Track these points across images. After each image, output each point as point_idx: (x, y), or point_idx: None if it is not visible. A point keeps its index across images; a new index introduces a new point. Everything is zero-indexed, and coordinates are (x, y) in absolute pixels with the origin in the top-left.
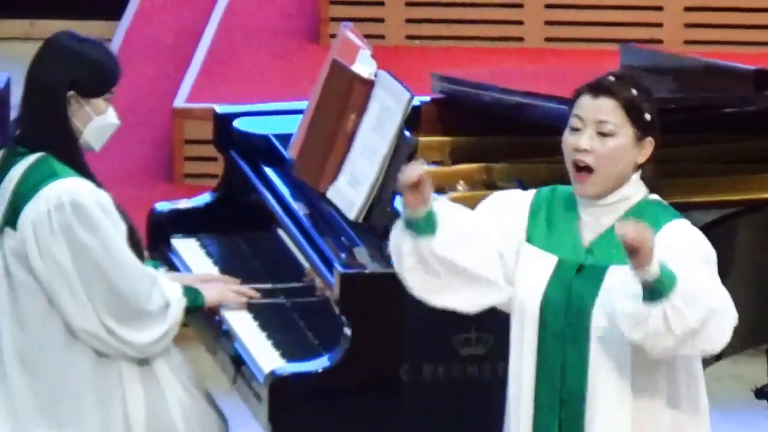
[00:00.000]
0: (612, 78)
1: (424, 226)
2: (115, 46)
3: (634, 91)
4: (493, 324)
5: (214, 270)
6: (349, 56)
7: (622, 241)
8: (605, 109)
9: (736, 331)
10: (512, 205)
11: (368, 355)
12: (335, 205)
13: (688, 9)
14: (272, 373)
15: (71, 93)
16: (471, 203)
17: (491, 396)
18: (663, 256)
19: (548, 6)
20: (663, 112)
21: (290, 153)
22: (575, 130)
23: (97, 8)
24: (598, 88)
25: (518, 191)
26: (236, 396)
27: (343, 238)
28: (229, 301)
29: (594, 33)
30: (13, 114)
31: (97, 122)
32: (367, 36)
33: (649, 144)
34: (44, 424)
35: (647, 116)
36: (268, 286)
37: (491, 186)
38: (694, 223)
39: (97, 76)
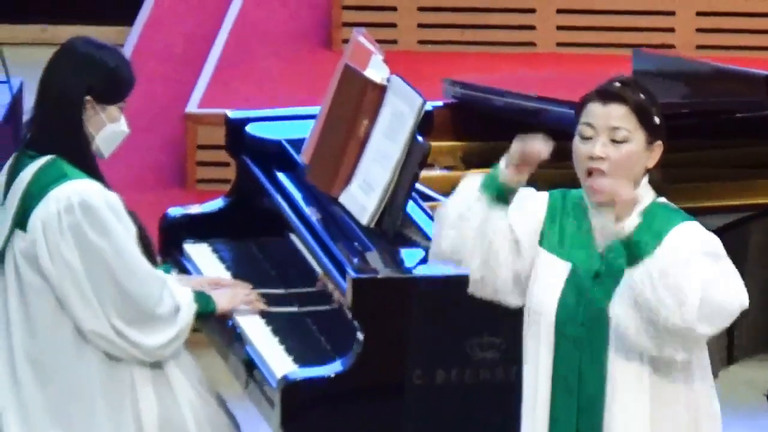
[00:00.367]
0: (619, 84)
1: (506, 196)
2: (127, 52)
3: (642, 96)
4: (506, 328)
5: (227, 275)
6: (362, 61)
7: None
8: (617, 116)
9: (748, 334)
10: (531, 205)
11: (380, 360)
12: (348, 210)
13: (700, 14)
14: (285, 378)
15: (88, 98)
16: None
17: (504, 401)
18: (668, 256)
19: (560, 11)
20: (675, 117)
21: (303, 158)
22: (586, 138)
23: (110, 14)
24: (607, 95)
25: (532, 190)
26: (248, 401)
27: (355, 243)
28: (240, 310)
29: (606, 38)
30: (25, 118)
31: (110, 129)
32: (379, 41)
33: (658, 148)
34: (55, 426)
35: (656, 120)
36: (281, 291)
37: None
38: (706, 228)
39: (115, 83)
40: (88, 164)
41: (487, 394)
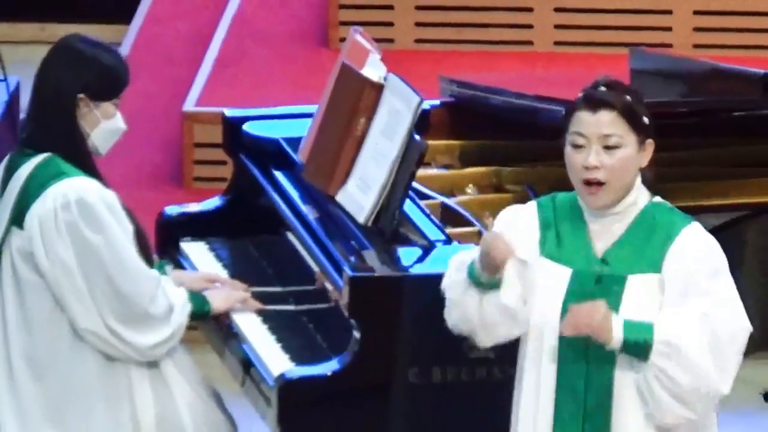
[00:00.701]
0: (604, 88)
1: (493, 284)
2: (124, 50)
3: (628, 97)
4: None
5: (224, 274)
6: (359, 60)
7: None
8: (607, 122)
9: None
10: (521, 224)
11: (377, 358)
12: (345, 209)
13: (697, 13)
14: (282, 377)
15: (81, 96)
16: (480, 207)
17: (500, 399)
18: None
19: (557, 10)
20: (672, 115)
21: (300, 157)
22: (578, 147)
23: (107, 12)
24: (594, 102)
25: (517, 207)
26: (245, 399)
27: (352, 242)
28: (236, 309)
29: (603, 37)
30: (22, 116)
31: (105, 126)
32: (376, 40)
33: (650, 146)
34: (52, 425)
35: (645, 119)
36: (278, 289)
37: (500, 189)
38: (703, 227)
39: (109, 80)
40: (84, 162)
41: (483, 393)
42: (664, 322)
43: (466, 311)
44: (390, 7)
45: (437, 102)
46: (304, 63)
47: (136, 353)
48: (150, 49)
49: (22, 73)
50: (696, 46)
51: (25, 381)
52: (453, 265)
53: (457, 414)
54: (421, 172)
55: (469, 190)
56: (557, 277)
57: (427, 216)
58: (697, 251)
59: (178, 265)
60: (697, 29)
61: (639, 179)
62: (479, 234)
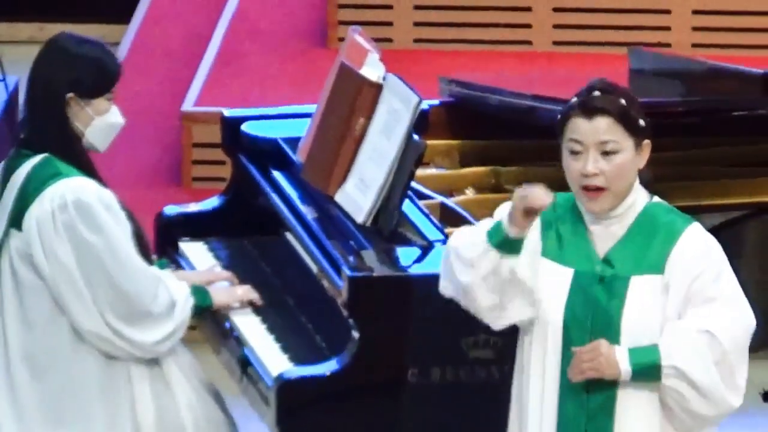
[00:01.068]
0: (598, 93)
1: (514, 246)
2: (123, 50)
3: (624, 101)
4: None
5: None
6: (358, 60)
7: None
8: (603, 128)
9: None
10: None
11: (376, 358)
12: (343, 209)
13: (696, 12)
14: (280, 377)
15: (70, 95)
16: (479, 207)
17: (499, 398)
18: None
19: (556, 9)
20: (671, 115)
21: (299, 156)
22: (576, 153)
23: (107, 12)
24: (590, 109)
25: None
26: (244, 398)
27: (351, 242)
28: (237, 303)
29: (602, 36)
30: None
31: (99, 123)
32: (375, 39)
33: (646, 147)
34: (51, 426)
35: (641, 122)
36: (277, 289)
37: (499, 189)
38: (703, 227)
39: (97, 76)
40: (80, 161)
41: (482, 393)
42: (670, 344)
43: (478, 273)
44: (389, 7)
45: (436, 102)
46: (302, 63)
47: (139, 351)
48: (149, 49)
49: (21, 72)
50: (695, 45)
51: (24, 381)
52: (464, 229)
53: (457, 414)
54: (420, 171)
55: (468, 190)
56: (559, 277)
57: (426, 216)
58: (699, 253)
59: (177, 265)
60: (696, 29)
61: (637, 180)
62: None
